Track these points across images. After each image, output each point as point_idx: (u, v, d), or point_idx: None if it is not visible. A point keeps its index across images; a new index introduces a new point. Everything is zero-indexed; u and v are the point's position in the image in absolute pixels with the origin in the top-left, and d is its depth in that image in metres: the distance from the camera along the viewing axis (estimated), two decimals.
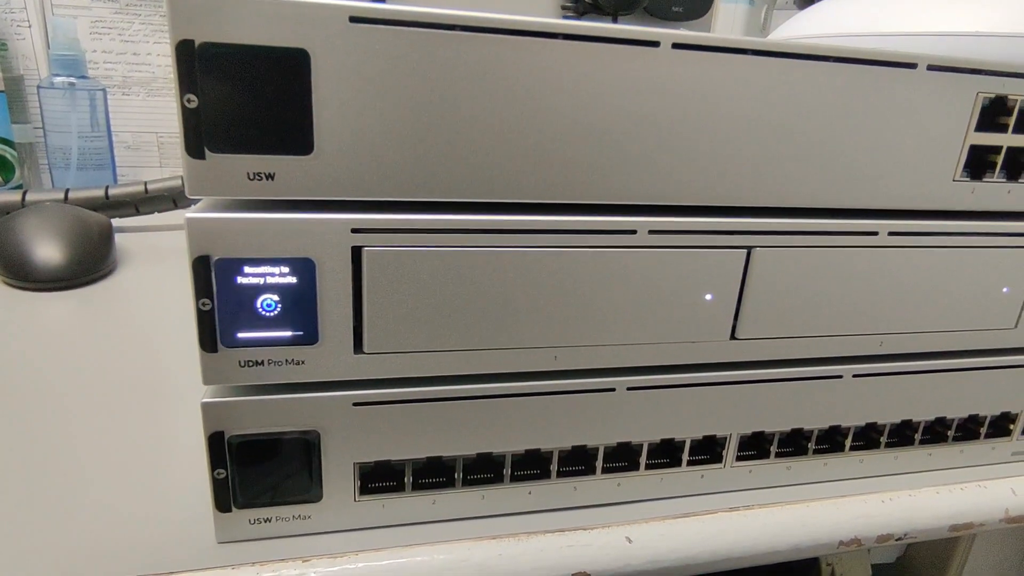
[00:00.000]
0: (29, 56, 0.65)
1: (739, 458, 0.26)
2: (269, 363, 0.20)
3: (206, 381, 0.20)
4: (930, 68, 0.22)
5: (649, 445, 0.24)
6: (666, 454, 0.25)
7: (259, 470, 0.21)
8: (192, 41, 0.17)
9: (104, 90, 0.62)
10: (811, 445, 0.26)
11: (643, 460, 0.25)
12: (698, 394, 0.24)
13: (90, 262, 0.44)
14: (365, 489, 0.22)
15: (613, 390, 0.23)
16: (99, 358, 0.34)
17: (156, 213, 0.53)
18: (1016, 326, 0.27)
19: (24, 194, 0.48)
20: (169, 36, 0.17)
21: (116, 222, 0.51)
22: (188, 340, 0.35)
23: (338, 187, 0.19)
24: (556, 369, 0.22)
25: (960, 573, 0.57)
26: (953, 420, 0.28)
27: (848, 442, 0.27)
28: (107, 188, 0.51)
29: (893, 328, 0.25)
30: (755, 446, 0.26)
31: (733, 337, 0.24)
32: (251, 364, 0.20)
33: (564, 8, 0.68)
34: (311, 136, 0.18)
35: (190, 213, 0.18)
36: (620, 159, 0.21)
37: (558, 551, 0.23)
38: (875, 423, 0.27)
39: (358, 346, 0.21)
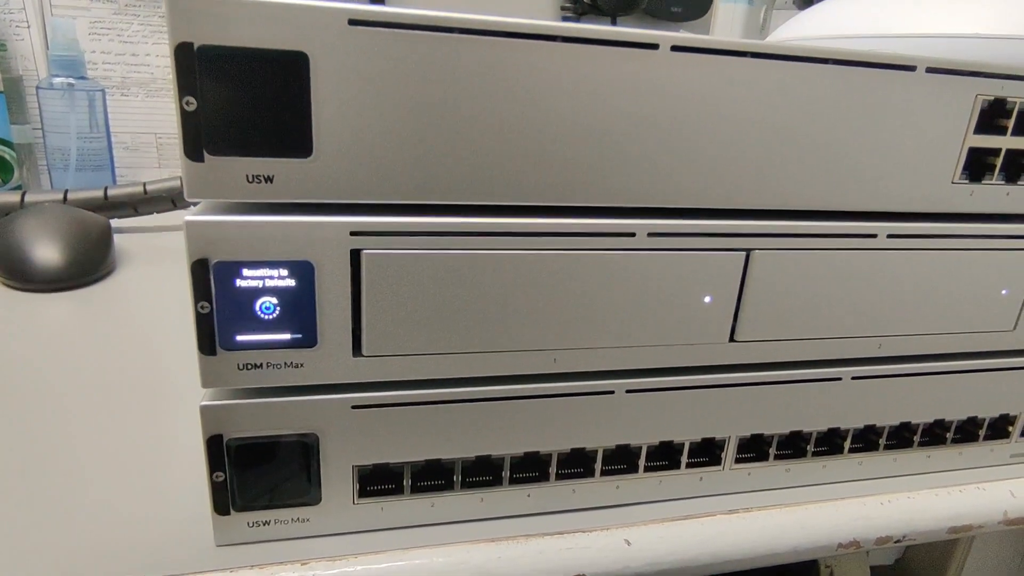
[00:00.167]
0: (28, 57, 0.65)
1: (738, 460, 0.26)
2: (268, 366, 0.20)
3: (205, 384, 0.20)
4: (929, 70, 0.22)
5: (648, 447, 0.24)
6: (665, 456, 0.25)
7: (258, 473, 0.21)
8: (191, 44, 0.17)
9: (103, 91, 0.62)
10: (810, 447, 0.26)
11: (642, 462, 0.25)
12: (697, 396, 0.24)
13: (89, 263, 0.44)
14: (364, 492, 0.22)
15: (612, 392, 0.23)
16: (98, 359, 0.34)
17: (155, 214, 0.53)
18: (1015, 328, 0.27)
19: (23, 195, 0.48)
20: (168, 39, 0.17)
21: (115, 223, 0.51)
22: (187, 341, 0.36)
23: (337, 190, 0.19)
24: (555, 372, 0.22)
25: (959, 575, 0.57)
26: (952, 422, 0.28)
27: (847, 444, 0.27)
28: (106, 189, 0.51)
29: (892, 330, 0.25)
30: (754, 448, 0.26)
31: (732, 339, 0.24)
32: (250, 367, 0.20)
33: (563, 9, 0.68)
34: (310, 139, 0.18)
35: (189, 216, 0.18)
36: (619, 162, 0.21)
37: (557, 553, 0.23)
38: (874, 425, 0.27)
39: (357, 349, 0.21)
